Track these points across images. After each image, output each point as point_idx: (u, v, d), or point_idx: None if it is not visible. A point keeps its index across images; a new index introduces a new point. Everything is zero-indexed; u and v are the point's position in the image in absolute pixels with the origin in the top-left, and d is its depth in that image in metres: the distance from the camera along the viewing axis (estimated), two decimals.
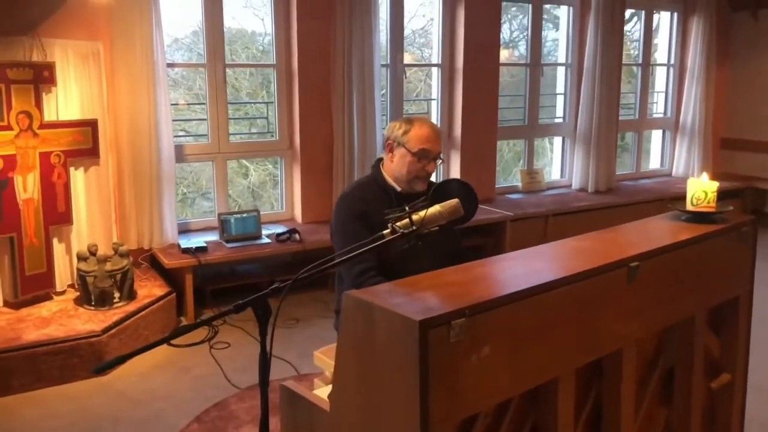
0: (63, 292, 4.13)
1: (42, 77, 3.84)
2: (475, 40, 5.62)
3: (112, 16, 4.24)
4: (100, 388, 3.46)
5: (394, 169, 2.56)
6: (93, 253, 3.93)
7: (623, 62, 6.58)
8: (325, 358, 2.29)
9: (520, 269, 1.69)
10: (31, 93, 3.79)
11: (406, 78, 5.71)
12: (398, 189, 2.57)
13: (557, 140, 6.77)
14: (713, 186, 2.06)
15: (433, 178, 2.67)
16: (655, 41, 7.23)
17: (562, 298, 1.56)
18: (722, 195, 2.12)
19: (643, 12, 6.92)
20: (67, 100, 4.02)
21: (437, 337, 1.30)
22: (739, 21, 7.19)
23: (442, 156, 2.59)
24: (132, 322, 3.81)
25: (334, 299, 2.83)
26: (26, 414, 3.23)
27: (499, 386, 1.47)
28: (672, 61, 7.19)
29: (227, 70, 4.99)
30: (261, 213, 4.86)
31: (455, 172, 5.79)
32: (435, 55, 5.82)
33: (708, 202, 2.06)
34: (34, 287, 3.91)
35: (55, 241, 4.03)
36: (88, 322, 3.69)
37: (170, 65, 4.91)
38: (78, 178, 4.14)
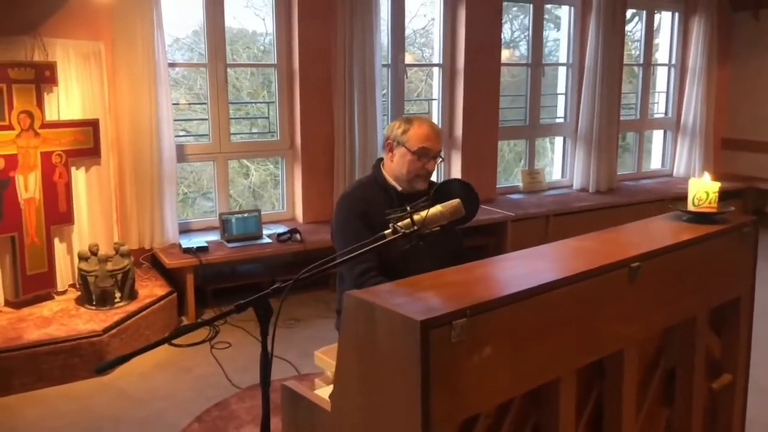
0: (64, 292, 4.13)
1: (43, 77, 3.84)
2: (476, 40, 5.62)
3: (114, 15, 4.25)
4: (101, 388, 3.46)
5: (395, 168, 2.56)
6: (94, 253, 3.94)
7: (624, 62, 6.56)
8: (326, 358, 2.28)
9: (522, 269, 1.69)
10: (32, 93, 3.79)
11: (407, 78, 5.71)
12: (399, 188, 2.57)
13: (558, 140, 6.77)
14: (715, 186, 2.06)
15: (434, 178, 2.67)
16: (656, 41, 7.22)
17: (564, 298, 1.56)
18: (723, 195, 2.11)
19: (644, 12, 6.92)
20: (68, 100, 4.03)
21: (438, 338, 1.30)
22: (741, 21, 7.18)
23: (442, 154, 2.59)
24: (133, 321, 3.82)
25: (335, 299, 2.83)
26: (27, 413, 3.23)
27: (501, 386, 1.47)
28: (673, 61, 7.18)
29: (228, 69, 4.99)
30: (262, 213, 4.86)
31: (456, 172, 5.79)
32: (436, 55, 5.82)
33: (709, 203, 2.06)
34: (35, 287, 3.92)
35: (56, 240, 4.03)
36: (89, 321, 3.70)
37: (171, 65, 4.91)
38: (79, 177, 4.15)
